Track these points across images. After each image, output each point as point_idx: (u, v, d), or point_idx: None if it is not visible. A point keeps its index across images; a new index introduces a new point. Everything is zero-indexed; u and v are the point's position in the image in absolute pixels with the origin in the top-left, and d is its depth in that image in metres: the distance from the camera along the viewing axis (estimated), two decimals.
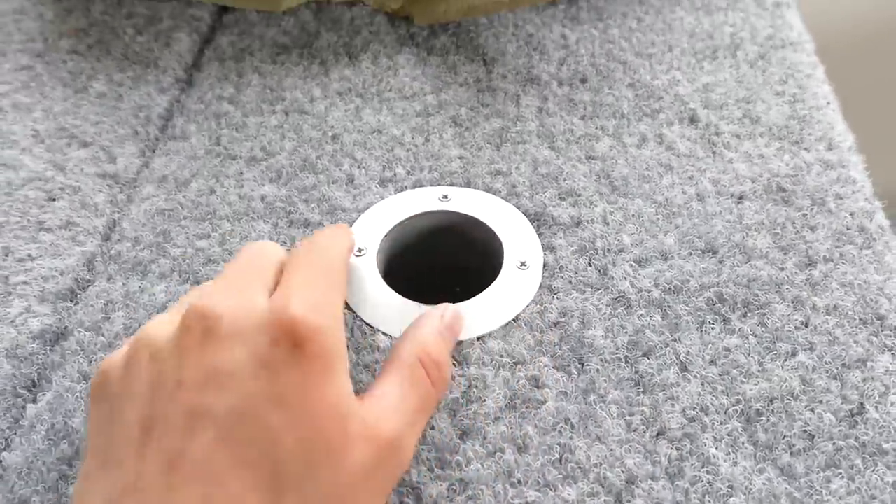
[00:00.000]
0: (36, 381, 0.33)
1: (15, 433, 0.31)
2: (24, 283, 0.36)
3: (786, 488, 0.28)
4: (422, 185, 0.40)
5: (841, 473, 0.29)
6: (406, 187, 0.40)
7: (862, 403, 0.30)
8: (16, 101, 0.46)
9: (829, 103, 0.44)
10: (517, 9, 0.50)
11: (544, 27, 0.49)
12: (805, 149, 0.41)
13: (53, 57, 0.49)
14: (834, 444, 0.29)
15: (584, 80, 0.45)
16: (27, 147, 0.43)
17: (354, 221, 0.38)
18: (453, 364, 0.32)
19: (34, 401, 0.32)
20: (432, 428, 0.30)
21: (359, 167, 0.41)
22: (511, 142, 0.42)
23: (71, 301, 0.36)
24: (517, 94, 0.45)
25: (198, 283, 0.36)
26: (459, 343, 0.33)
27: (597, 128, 0.42)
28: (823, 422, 0.30)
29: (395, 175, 0.40)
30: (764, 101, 0.44)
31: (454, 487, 0.28)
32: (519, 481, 0.29)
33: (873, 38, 0.73)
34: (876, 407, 0.30)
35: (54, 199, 0.40)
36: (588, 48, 0.48)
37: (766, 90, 0.44)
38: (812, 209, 0.38)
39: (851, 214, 0.37)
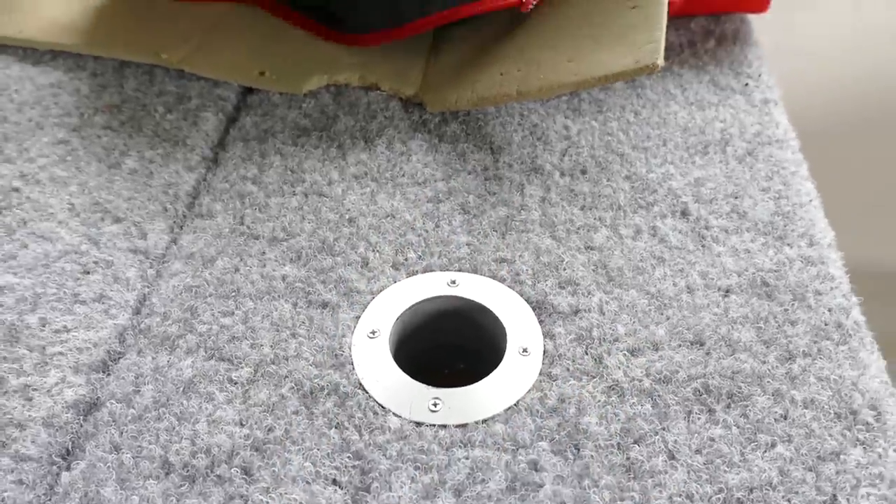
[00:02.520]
0: (70, 449, 0.36)
1: (49, 499, 0.34)
2: (60, 353, 0.39)
3: None
4: (432, 270, 0.43)
5: None
6: (417, 271, 0.43)
7: (835, 495, 0.33)
8: (53, 175, 0.49)
9: (811, 200, 0.47)
10: (523, 101, 0.53)
11: (548, 118, 0.53)
12: (788, 244, 0.44)
13: (89, 132, 0.52)
14: None
15: (584, 171, 0.49)
16: (63, 220, 0.46)
17: (369, 304, 0.41)
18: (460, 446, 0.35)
19: (68, 468, 0.35)
20: None
21: (373, 251, 0.44)
22: (516, 230, 0.45)
23: (103, 373, 0.39)
24: (522, 183, 0.48)
25: (222, 360, 0.38)
26: (464, 426, 0.35)
27: (595, 219, 0.46)
28: None
29: (406, 259, 0.43)
30: (751, 197, 0.47)
31: None
32: None
33: (842, 122, 0.78)
34: (847, 499, 0.33)
35: (88, 273, 0.43)
36: (588, 140, 0.51)
37: (753, 186, 0.48)
38: (793, 304, 0.41)
39: (829, 310, 0.40)
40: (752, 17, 0.63)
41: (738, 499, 0.33)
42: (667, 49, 0.58)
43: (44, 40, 0.59)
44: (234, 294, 0.42)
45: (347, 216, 0.46)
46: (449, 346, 0.43)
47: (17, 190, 0.48)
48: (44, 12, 0.62)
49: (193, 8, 0.61)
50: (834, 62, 0.76)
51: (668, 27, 0.61)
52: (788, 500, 0.33)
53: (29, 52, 0.60)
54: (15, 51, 0.60)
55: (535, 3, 0.52)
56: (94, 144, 0.51)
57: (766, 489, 0.33)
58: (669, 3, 0.52)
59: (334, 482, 0.34)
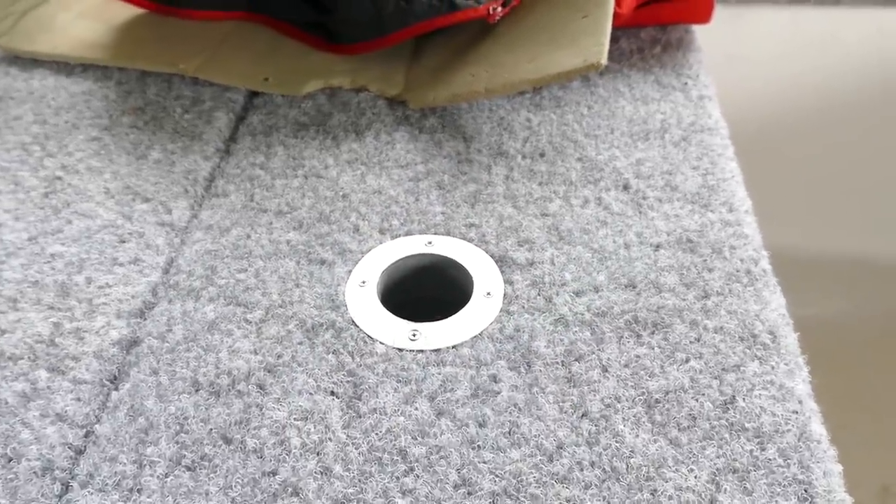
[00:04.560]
0: (117, 375, 0.44)
1: (103, 411, 0.42)
2: (105, 304, 0.47)
3: (672, 452, 0.39)
4: (412, 234, 0.51)
5: (713, 443, 0.39)
6: (399, 235, 0.51)
7: (733, 396, 0.41)
8: (89, 165, 0.57)
9: (733, 176, 0.55)
10: (492, 97, 0.62)
11: (513, 111, 0.62)
12: (711, 210, 0.52)
13: (118, 130, 0.61)
14: (710, 423, 0.40)
15: (542, 155, 0.57)
16: (101, 201, 0.54)
17: (359, 261, 0.49)
18: (434, 364, 0.43)
19: (116, 389, 0.43)
20: (416, 409, 0.40)
21: (363, 220, 0.52)
22: (483, 202, 0.53)
23: (141, 318, 0.47)
24: (489, 164, 0.57)
25: (239, 305, 0.47)
26: (438, 351, 0.44)
27: (551, 192, 0.54)
28: (704, 408, 0.41)
29: (391, 226, 0.52)
30: (682, 174, 0.55)
31: (431, 451, 0.39)
32: (479, 446, 0.39)
33: (783, 121, 0.87)
34: (744, 399, 0.41)
35: (124, 242, 0.51)
36: (547, 129, 0.60)
37: (685, 165, 0.56)
38: (711, 256, 0.49)
39: (741, 260, 0.49)
40: (698, 28, 0.72)
41: (657, 399, 0.41)
42: (618, 54, 0.68)
43: (75, 55, 0.68)
44: (247, 255, 0.50)
45: (341, 193, 0.54)
46: (427, 298, 0.51)
47: (59, 178, 0.56)
48: (74, 31, 0.71)
49: (205, 25, 0.70)
50: (771, 67, 0.85)
51: (620, 36, 0.70)
52: (697, 400, 0.41)
53: (62, 66, 0.68)
54: (50, 65, 0.69)
55: (500, 15, 0.61)
56: (123, 140, 0.60)
57: (680, 392, 0.41)
58: (616, 14, 0.61)
59: (332, 393, 0.42)
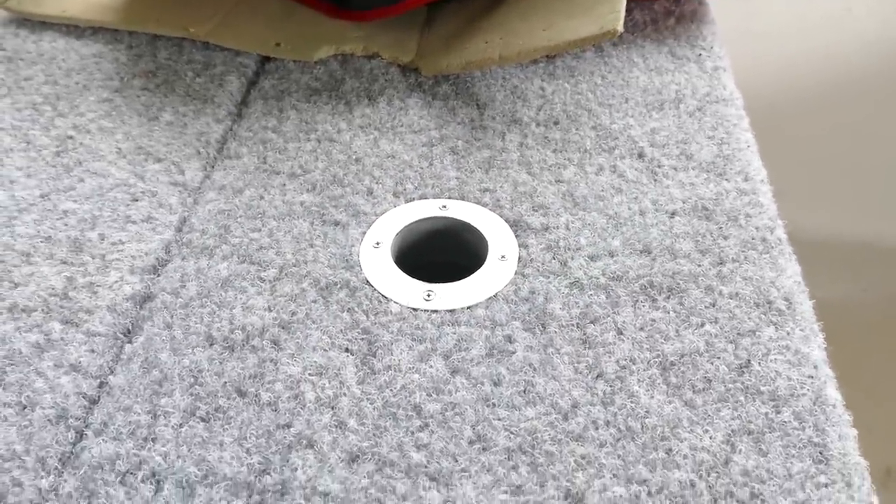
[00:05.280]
0: (131, 329, 0.43)
1: (117, 363, 0.41)
2: (118, 259, 0.47)
3: (687, 414, 0.39)
4: (426, 198, 0.51)
5: (728, 405, 0.39)
6: (413, 199, 0.51)
7: (749, 360, 0.41)
8: (101, 126, 0.57)
9: (749, 146, 0.55)
10: (505, 65, 0.62)
11: (527, 80, 0.61)
12: (726, 179, 0.52)
13: (129, 93, 0.60)
14: (725, 386, 0.40)
15: (556, 123, 0.57)
16: (113, 161, 0.54)
17: (373, 223, 0.49)
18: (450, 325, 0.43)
19: (130, 342, 0.43)
20: (431, 367, 0.40)
21: (377, 183, 0.52)
22: (497, 167, 0.53)
23: (154, 274, 0.47)
24: (503, 131, 0.56)
25: (252, 263, 0.46)
26: (452, 311, 0.43)
27: (565, 159, 0.54)
28: (719, 371, 0.40)
29: (405, 189, 0.51)
30: (697, 143, 0.55)
31: (446, 407, 0.39)
32: (494, 404, 0.39)
33: (795, 98, 0.86)
34: (759, 363, 0.41)
35: (137, 200, 0.51)
36: (561, 98, 0.59)
37: (700, 134, 0.56)
38: (727, 224, 0.49)
39: (756, 228, 0.48)
40: (712, 1, 0.72)
41: (672, 361, 0.41)
42: (632, 25, 0.67)
43: (85, 18, 0.68)
44: (260, 216, 0.50)
45: (354, 157, 0.54)
46: (441, 262, 0.51)
47: (71, 137, 0.56)
48: None
49: None
50: (784, 43, 0.84)
51: (633, 8, 0.70)
52: (711, 363, 0.41)
53: (72, 29, 0.68)
54: (59, 27, 0.68)
55: None
56: (134, 102, 0.60)
57: (695, 355, 0.41)
58: None
59: (347, 350, 0.42)
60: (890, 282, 0.97)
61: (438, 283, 0.46)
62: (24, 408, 0.38)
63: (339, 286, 0.45)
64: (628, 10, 0.69)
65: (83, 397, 0.39)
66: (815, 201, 0.88)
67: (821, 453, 0.37)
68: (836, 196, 0.89)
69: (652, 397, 0.39)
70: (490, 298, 0.44)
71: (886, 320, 0.94)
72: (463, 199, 0.51)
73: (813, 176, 0.86)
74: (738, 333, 0.42)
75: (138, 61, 0.64)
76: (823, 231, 0.90)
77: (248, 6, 0.68)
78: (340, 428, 0.38)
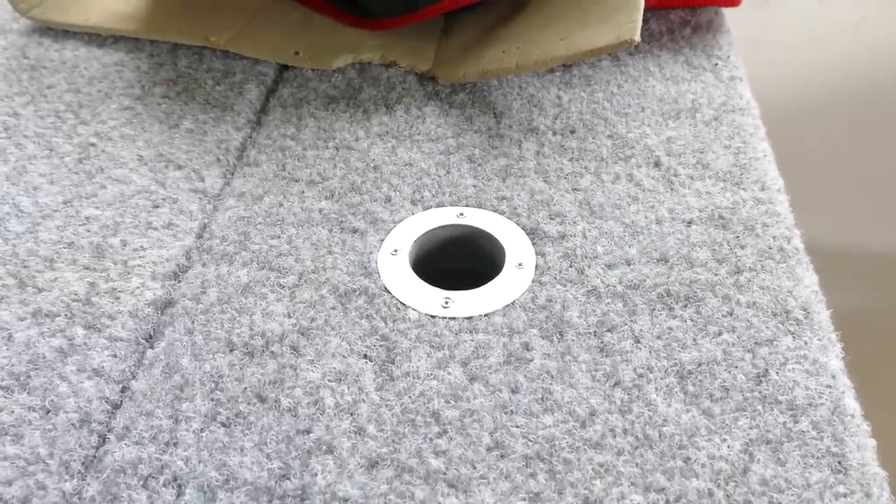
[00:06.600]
0: (152, 334, 0.44)
1: (139, 368, 0.42)
2: (139, 265, 0.47)
3: (705, 422, 0.39)
4: (443, 206, 0.51)
5: (746, 415, 0.39)
6: (431, 206, 0.51)
7: (766, 369, 0.41)
8: (123, 133, 0.58)
9: (765, 155, 0.55)
10: (522, 74, 0.62)
11: (543, 89, 0.62)
12: (743, 189, 0.52)
13: (150, 100, 0.61)
14: (743, 395, 0.40)
15: (573, 131, 0.57)
16: (134, 168, 0.55)
17: (391, 230, 0.49)
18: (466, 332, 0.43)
19: (152, 347, 0.43)
20: (449, 373, 0.41)
21: (395, 191, 0.52)
22: (514, 176, 0.53)
23: (175, 280, 0.47)
24: (520, 140, 0.57)
25: (272, 270, 0.47)
26: (470, 318, 0.44)
27: (582, 167, 0.54)
28: (737, 380, 0.41)
29: (422, 197, 0.52)
30: (714, 152, 0.55)
31: (464, 414, 0.39)
32: (511, 411, 0.39)
33: (812, 106, 0.86)
34: (777, 372, 0.41)
35: (158, 207, 0.51)
36: (577, 107, 0.60)
37: (717, 143, 0.56)
38: (744, 233, 0.49)
39: (774, 238, 0.49)
40: (727, 11, 0.72)
41: (689, 370, 0.41)
42: (648, 35, 0.68)
43: (107, 27, 0.69)
44: (279, 222, 0.50)
45: (372, 164, 0.55)
46: (458, 269, 0.51)
47: (93, 145, 0.57)
48: (106, 3, 0.71)
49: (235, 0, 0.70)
50: (800, 53, 0.84)
51: (650, 17, 0.70)
52: (729, 372, 0.41)
53: (94, 37, 0.69)
54: (81, 36, 0.69)
55: None
56: (155, 110, 0.60)
57: (712, 364, 0.41)
58: None
59: (365, 357, 0.42)
60: None
61: (456, 290, 0.46)
62: (48, 412, 0.39)
63: (357, 293, 0.45)
64: (645, 20, 0.69)
65: (106, 402, 0.40)
66: (831, 210, 0.88)
67: (839, 463, 0.37)
68: (853, 205, 0.89)
69: (669, 406, 0.39)
70: (507, 306, 0.44)
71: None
72: (480, 206, 0.51)
73: (829, 185, 0.86)
74: (756, 342, 0.42)
75: (159, 69, 0.65)
76: (839, 240, 0.90)
77: (266, 16, 0.69)
78: (359, 434, 0.38)
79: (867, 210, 0.93)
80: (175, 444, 0.38)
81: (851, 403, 0.40)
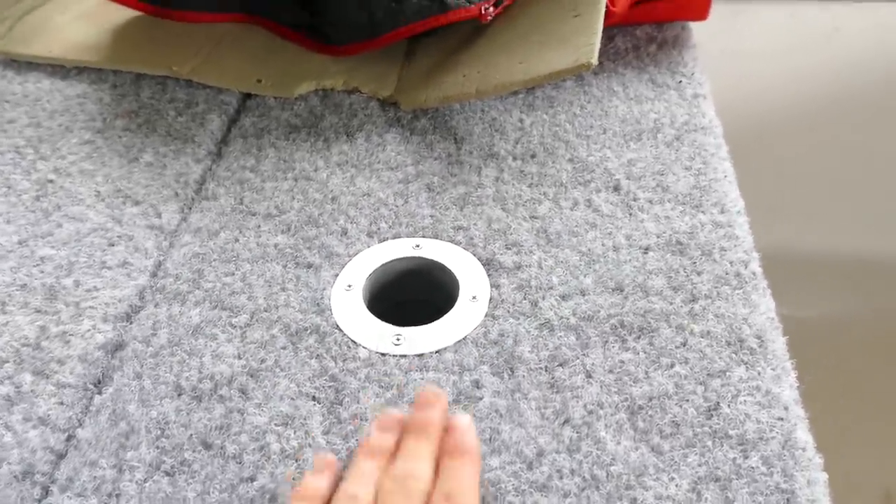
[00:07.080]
0: (101, 379, 0.44)
1: (86, 416, 0.42)
2: (92, 307, 0.47)
3: (653, 460, 0.38)
4: (399, 237, 0.51)
5: (696, 451, 0.39)
6: (387, 238, 0.51)
7: (718, 402, 0.41)
8: (82, 168, 0.58)
9: (726, 176, 0.55)
10: (483, 98, 0.62)
11: (506, 112, 0.61)
12: (702, 212, 0.52)
13: (111, 133, 0.61)
14: (693, 431, 0.39)
15: (533, 156, 0.57)
16: (91, 204, 0.54)
17: (346, 265, 0.49)
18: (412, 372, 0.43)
19: (100, 392, 0.43)
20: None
21: (351, 223, 0.52)
22: (472, 204, 0.53)
23: (127, 321, 0.47)
24: (480, 166, 0.56)
25: (224, 309, 0.47)
26: (421, 356, 0.43)
27: (540, 193, 0.54)
28: (687, 414, 0.40)
29: (379, 229, 0.51)
30: (674, 174, 0.55)
31: None
32: None
33: (786, 116, 0.86)
34: (728, 405, 0.40)
35: (113, 245, 0.51)
36: (539, 130, 0.59)
37: (677, 165, 0.56)
38: (701, 258, 0.48)
39: (731, 263, 0.48)
40: (695, 25, 0.71)
41: (640, 405, 0.41)
42: (613, 53, 0.67)
43: (70, 58, 0.68)
44: (234, 259, 0.50)
45: (331, 196, 0.54)
46: (414, 302, 0.51)
47: (51, 181, 0.57)
48: (69, 34, 0.71)
49: (200, 27, 0.70)
50: (770, 63, 0.84)
51: (616, 34, 0.70)
52: (681, 406, 0.41)
53: (57, 69, 0.69)
54: (45, 68, 0.69)
55: (493, 14, 0.61)
56: (115, 143, 0.60)
57: (664, 398, 0.41)
58: (611, 13, 0.61)
59: (314, 398, 0.42)
60: (889, 297, 0.96)
61: (410, 325, 0.45)
62: None
63: (308, 331, 0.45)
64: (609, 37, 0.69)
65: (50, 451, 0.40)
66: (810, 218, 0.87)
67: (788, 500, 0.37)
68: (831, 212, 0.88)
69: (619, 443, 0.39)
70: (459, 342, 0.44)
71: (886, 337, 0.93)
72: (437, 237, 0.51)
73: (808, 193, 0.86)
74: (709, 374, 0.42)
75: (122, 101, 0.65)
76: (816, 248, 0.89)
77: (230, 43, 0.68)
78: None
79: (846, 217, 0.93)
80: (118, 496, 0.38)
81: (803, 436, 0.39)
